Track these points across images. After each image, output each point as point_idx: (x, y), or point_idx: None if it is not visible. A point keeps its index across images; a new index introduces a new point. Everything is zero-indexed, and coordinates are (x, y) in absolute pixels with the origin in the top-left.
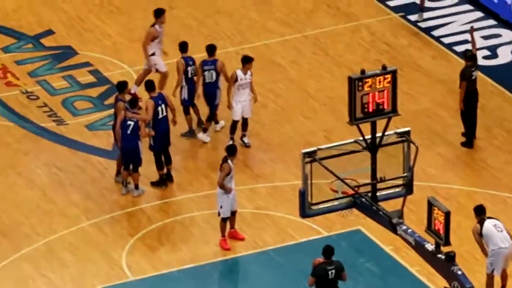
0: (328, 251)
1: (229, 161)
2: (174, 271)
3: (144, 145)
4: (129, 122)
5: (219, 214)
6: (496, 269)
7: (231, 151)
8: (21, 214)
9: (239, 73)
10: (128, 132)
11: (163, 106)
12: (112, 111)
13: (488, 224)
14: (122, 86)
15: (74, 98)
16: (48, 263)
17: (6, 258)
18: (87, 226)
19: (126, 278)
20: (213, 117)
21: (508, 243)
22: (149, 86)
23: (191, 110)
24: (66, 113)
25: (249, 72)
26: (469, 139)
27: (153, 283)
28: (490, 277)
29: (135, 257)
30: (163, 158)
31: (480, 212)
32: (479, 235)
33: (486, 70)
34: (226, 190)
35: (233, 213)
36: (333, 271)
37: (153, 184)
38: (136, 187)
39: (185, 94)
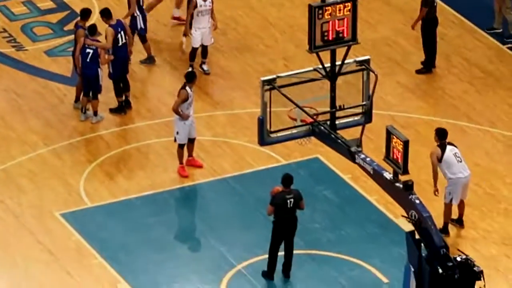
0: (287, 179)
1: (187, 87)
2: (132, 198)
3: (103, 72)
4: (88, 50)
5: (175, 140)
6: (454, 198)
7: (190, 77)
8: None
9: None
10: (88, 59)
11: (122, 33)
12: (71, 37)
13: (449, 151)
14: (85, 13)
15: (33, 24)
16: (6, 189)
17: None
18: (46, 152)
19: (84, 205)
20: None
21: (466, 173)
22: (107, 14)
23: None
24: (25, 39)
25: None
26: (427, 65)
27: (111, 209)
28: (448, 206)
29: (93, 184)
30: (122, 85)
31: (442, 136)
32: (438, 160)
33: None
34: (182, 117)
35: (191, 141)
36: (292, 200)
37: (112, 110)
38: (95, 113)
39: (140, 23)
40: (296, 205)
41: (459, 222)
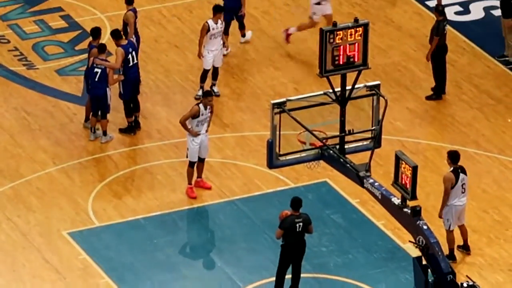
0: (296, 202)
1: (200, 105)
2: (140, 218)
3: (113, 91)
4: (96, 69)
5: (187, 156)
6: (452, 224)
7: (204, 94)
8: None
9: (211, 22)
10: (96, 79)
11: (133, 53)
12: (82, 56)
13: (459, 181)
14: (95, 32)
15: (45, 43)
16: (14, 207)
17: None
18: (55, 171)
19: (92, 224)
20: None
21: (464, 201)
22: (117, 34)
23: None
24: (36, 58)
25: (219, 21)
26: (437, 92)
27: (119, 229)
28: (449, 233)
29: (101, 204)
30: (132, 106)
31: (455, 159)
32: (451, 188)
33: (457, 26)
34: (188, 131)
35: (201, 160)
36: (301, 224)
37: (122, 131)
38: (104, 133)
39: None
40: (305, 229)
41: (465, 248)
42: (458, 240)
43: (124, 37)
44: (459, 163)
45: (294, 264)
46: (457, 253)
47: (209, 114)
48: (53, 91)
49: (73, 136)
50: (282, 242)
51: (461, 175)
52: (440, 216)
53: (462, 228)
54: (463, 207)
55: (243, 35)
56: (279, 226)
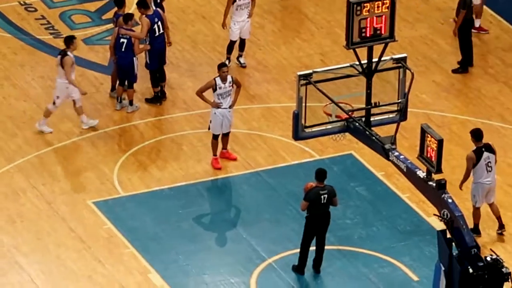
0: (321, 174)
1: (217, 78)
2: (165, 188)
3: (139, 61)
4: (122, 39)
5: (209, 129)
6: (478, 201)
7: (218, 66)
8: (14, 126)
9: None
10: (122, 49)
11: (159, 23)
12: (109, 26)
13: (482, 160)
14: (120, 1)
15: (72, 12)
16: (39, 175)
17: None
18: (80, 140)
19: (116, 194)
20: None
21: (492, 180)
22: (143, 3)
23: None
24: (63, 27)
25: None
26: (464, 65)
27: (144, 199)
28: (475, 209)
29: (126, 173)
30: (158, 76)
31: (478, 137)
32: (473, 166)
33: None
34: (206, 102)
35: (225, 134)
36: (326, 195)
37: (148, 100)
38: (131, 103)
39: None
40: (329, 201)
41: (500, 227)
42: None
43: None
44: (486, 140)
45: (319, 236)
46: (481, 228)
47: (230, 87)
48: (79, 60)
49: (99, 106)
50: (306, 213)
51: (485, 154)
52: (460, 188)
53: (493, 207)
54: (490, 185)
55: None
56: (304, 198)
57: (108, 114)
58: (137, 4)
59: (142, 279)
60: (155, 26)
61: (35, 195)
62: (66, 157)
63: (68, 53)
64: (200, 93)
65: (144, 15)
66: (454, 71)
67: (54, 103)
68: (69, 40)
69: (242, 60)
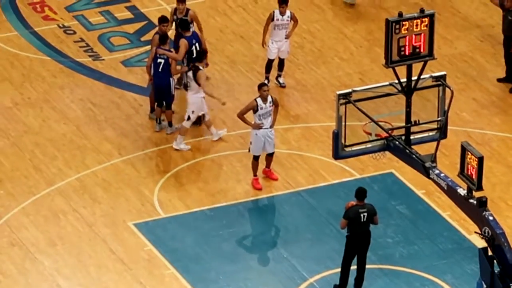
0: (360, 193)
1: (258, 98)
2: (205, 209)
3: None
4: (159, 60)
5: (249, 150)
6: None
7: (259, 86)
8: (54, 149)
9: (276, 12)
10: (160, 69)
11: (197, 45)
12: (148, 47)
13: None
14: (162, 20)
15: (110, 34)
16: (79, 198)
17: (38, 192)
18: (120, 162)
19: (157, 215)
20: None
21: None
22: (184, 25)
23: None
24: (102, 49)
25: (287, 13)
26: (509, 78)
27: (184, 220)
28: None
29: (167, 194)
30: None
31: None
32: None
33: None
34: (248, 124)
35: (270, 155)
36: (366, 214)
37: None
38: (170, 124)
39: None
40: (369, 219)
41: None
42: None
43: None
44: None
45: (359, 255)
46: None
47: (271, 107)
48: (119, 82)
49: (138, 127)
50: (347, 232)
51: None
52: None
53: None
54: None
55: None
56: (344, 216)
57: (148, 136)
58: (179, 25)
59: None
60: (193, 47)
61: (75, 218)
62: (106, 179)
63: (200, 67)
64: (241, 115)
65: (183, 37)
66: (499, 80)
67: (188, 118)
68: (202, 55)
69: (281, 80)
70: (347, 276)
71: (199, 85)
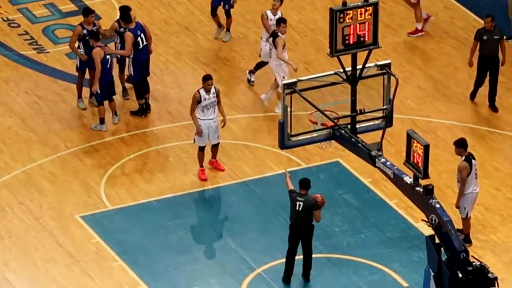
0: (303, 182)
1: (200, 90)
2: (152, 201)
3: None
4: (107, 57)
5: (194, 141)
6: (469, 211)
7: (203, 78)
8: (0, 142)
9: (269, 13)
10: (108, 66)
11: (142, 36)
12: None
13: (473, 169)
14: (86, 12)
15: (55, 26)
16: (26, 191)
17: None
18: (66, 154)
19: (104, 208)
20: None
21: (478, 188)
22: (125, 17)
23: None
24: (47, 41)
25: (278, 13)
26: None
27: (131, 212)
28: (466, 220)
29: (113, 187)
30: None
31: (466, 147)
32: (467, 175)
33: (468, 4)
34: (196, 127)
35: (214, 145)
36: (301, 204)
37: (133, 113)
38: (115, 113)
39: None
40: (307, 211)
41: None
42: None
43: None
44: (470, 144)
45: (303, 244)
46: (471, 232)
47: (214, 98)
48: (64, 75)
49: (84, 120)
50: (289, 220)
51: (473, 161)
52: (457, 207)
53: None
54: (477, 193)
55: (227, 29)
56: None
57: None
58: (120, 18)
59: None
60: (139, 38)
61: (22, 211)
62: (53, 172)
63: (279, 34)
64: (193, 113)
65: (127, 30)
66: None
67: (278, 86)
68: (281, 22)
69: (253, 77)
70: (290, 267)
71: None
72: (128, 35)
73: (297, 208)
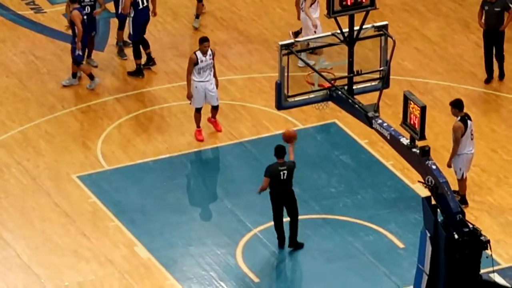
0: (278, 150)
1: (197, 52)
2: (149, 161)
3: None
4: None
5: (190, 103)
6: (465, 172)
7: (200, 40)
8: None
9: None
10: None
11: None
12: None
13: (469, 128)
14: None
15: None
16: (23, 151)
17: None
18: (63, 114)
19: (101, 168)
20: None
21: (473, 149)
22: None
23: None
24: (43, 1)
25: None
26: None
27: (128, 172)
28: (462, 181)
29: (110, 147)
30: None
31: (461, 108)
32: (462, 136)
33: None
34: (188, 90)
35: (214, 107)
36: (285, 171)
37: (130, 73)
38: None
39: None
40: (290, 177)
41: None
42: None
43: None
44: (466, 105)
45: (288, 211)
46: (467, 194)
47: (210, 60)
48: (61, 35)
49: (81, 79)
50: (269, 189)
51: (469, 122)
52: (449, 166)
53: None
54: (473, 154)
55: (197, 16)
56: (265, 174)
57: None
58: None
59: (128, 252)
60: None
61: (19, 171)
62: (49, 132)
63: None
64: (189, 75)
65: None
66: (486, 82)
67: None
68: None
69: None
70: (282, 230)
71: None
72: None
73: (282, 178)
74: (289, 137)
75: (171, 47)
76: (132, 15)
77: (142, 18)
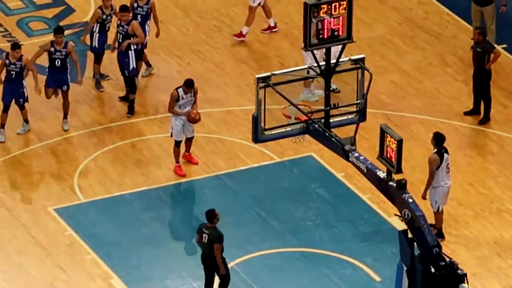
0: (208, 215)
1: (179, 89)
2: (126, 194)
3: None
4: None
5: (171, 135)
6: (440, 205)
7: (185, 83)
8: None
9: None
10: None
11: None
12: (66, 32)
13: (444, 162)
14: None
15: (29, 19)
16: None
17: None
18: (40, 147)
19: (77, 200)
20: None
21: (449, 182)
22: (127, 8)
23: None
24: (21, 34)
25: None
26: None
27: (105, 205)
28: (438, 214)
29: (86, 179)
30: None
31: (441, 142)
32: (437, 168)
33: None
34: (178, 114)
35: (189, 139)
36: (207, 236)
37: (121, 98)
38: (26, 121)
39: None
40: (210, 243)
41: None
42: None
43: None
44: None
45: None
46: (443, 227)
47: (192, 97)
48: (38, 68)
49: (58, 113)
50: None
51: (445, 155)
52: (423, 197)
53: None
54: (449, 187)
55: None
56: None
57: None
58: (120, 10)
59: (105, 285)
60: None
61: None
62: (26, 164)
63: None
64: (172, 109)
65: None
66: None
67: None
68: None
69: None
70: None
71: None
72: (136, 23)
73: (203, 240)
74: (193, 119)
75: (148, 79)
76: (134, 47)
77: (141, 50)
